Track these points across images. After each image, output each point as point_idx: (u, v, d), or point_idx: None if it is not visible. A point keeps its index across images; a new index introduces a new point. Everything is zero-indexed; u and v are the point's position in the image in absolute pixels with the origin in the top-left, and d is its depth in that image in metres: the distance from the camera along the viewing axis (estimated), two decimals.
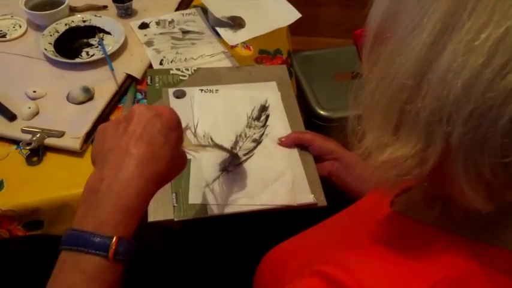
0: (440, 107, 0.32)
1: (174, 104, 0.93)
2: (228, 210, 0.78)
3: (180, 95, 0.95)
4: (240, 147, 0.86)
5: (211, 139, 0.79)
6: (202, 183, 0.80)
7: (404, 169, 0.36)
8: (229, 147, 0.85)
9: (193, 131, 0.73)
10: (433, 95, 0.33)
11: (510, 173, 0.32)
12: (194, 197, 0.78)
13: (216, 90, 0.96)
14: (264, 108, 0.94)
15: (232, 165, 0.83)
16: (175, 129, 0.56)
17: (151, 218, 0.75)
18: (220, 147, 0.80)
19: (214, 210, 0.77)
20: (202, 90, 0.96)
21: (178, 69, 1.01)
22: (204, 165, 0.82)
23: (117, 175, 0.50)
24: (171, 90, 0.95)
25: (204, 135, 0.80)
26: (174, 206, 0.77)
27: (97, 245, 0.46)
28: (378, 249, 0.44)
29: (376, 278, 0.39)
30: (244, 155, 0.85)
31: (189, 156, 0.64)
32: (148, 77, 0.98)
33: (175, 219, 0.76)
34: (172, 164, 0.54)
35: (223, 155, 0.84)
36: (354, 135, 0.40)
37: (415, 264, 0.40)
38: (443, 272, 0.38)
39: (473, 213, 0.38)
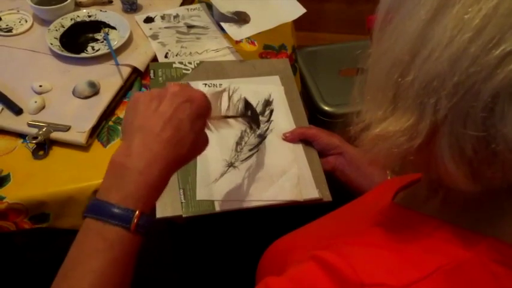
0: (429, 80, 0.34)
1: None
2: (235, 206, 0.78)
3: None
4: (245, 143, 0.86)
5: (243, 105, 0.78)
6: (209, 179, 0.81)
7: (395, 143, 0.37)
8: (234, 143, 0.85)
9: (230, 94, 0.72)
10: (423, 69, 0.34)
11: (490, 149, 0.33)
12: (202, 193, 0.79)
13: (220, 85, 0.96)
14: (268, 103, 0.94)
15: (239, 161, 0.84)
16: (203, 117, 0.58)
17: (159, 214, 0.75)
18: (247, 116, 0.78)
19: (222, 206, 0.78)
20: (205, 84, 0.96)
21: (181, 63, 1.01)
22: (210, 161, 0.83)
23: (144, 154, 0.52)
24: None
25: (238, 100, 0.78)
26: (182, 202, 0.77)
27: (121, 216, 0.50)
28: (375, 237, 0.45)
29: (371, 265, 0.40)
30: (250, 150, 0.86)
31: (209, 131, 0.64)
32: (151, 71, 0.98)
33: (184, 216, 0.76)
34: (193, 148, 0.57)
35: (230, 148, 0.84)
36: (354, 112, 0.42)
37: (411, 253, 0.40)
38: (440, 261, 0.39)
39: (471, 204, 0.40)
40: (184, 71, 0.99)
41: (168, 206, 0.77)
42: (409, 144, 0.36)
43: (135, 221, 0.50)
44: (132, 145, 0.53)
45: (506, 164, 0.34)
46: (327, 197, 0.81)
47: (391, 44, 0.37)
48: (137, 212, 0.50)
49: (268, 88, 0.96)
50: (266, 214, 0.83)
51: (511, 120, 0.32)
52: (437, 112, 0.34)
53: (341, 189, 0.84)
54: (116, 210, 0.50)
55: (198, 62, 1.02)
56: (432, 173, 0.40)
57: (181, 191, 0.79)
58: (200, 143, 0.60)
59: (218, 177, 0.81)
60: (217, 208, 0.77)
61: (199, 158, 0.82)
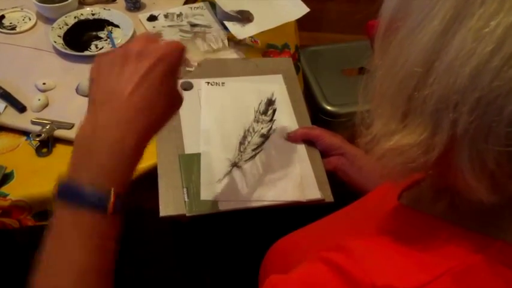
0: (447, 94, 0.32)
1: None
2: (239, 206, 0.78)
3: (187, 87, 0.95)
4: (248, 142, 0.86)
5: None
6: (213, 178, 0.81)
7: (410, 157, 0.36)
8: (237, 143, 0.86)
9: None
10: (441, 82, 0.33)
11: None
12: (206, 193, 0.79)
13: (223, 83, 0.96)
14: (270, 102, 0.94)
15: (242, 161, 0.84)
16: (175, 73, 0.53)
17: (162, 213, 0.75)
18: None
19: (226, 205, 0.78)
20: (208, 83, 0.96)
21: None
22: (214, 161, 0.83)
23: (113, 123, 0.47)
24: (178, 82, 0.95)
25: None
26: (185, 201, 0.77)
27: (95, 199, 0.45)
28: (384, 239, 0.44)
29: (381, 267, 0.39)
30: (253, 150, 0.86)
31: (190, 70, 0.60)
32: None
33: (187, 215, 0.76)
34: (167, 112, 0.52)
35: (233, 148, 0.85)
36: (363, 124, 0.40)
37: (420, 255, 0.40)
38: (448, 264, 0.38)
39: (480, 207, 0.39)
40: (187, 68, 0.99)
41: (171, 204, 0.76)
42: (425, 157, 0.35)
43: (111, 202, 0.45)
44: (99, 115, 0.48)
45: None
46: (329, 197, 0.82)
47: (401, 56, 0.36)
48: (112, 192, 0.45)
49: (271, 87, 0.96)
50: (268, 214, 0.83)
51: None
52: (456, 126, 0.33)
53: (343, 190, 0.84)
54: (89, 192, 0.45)
55: (202, 59, 1.02)
56: (451, 186, 0.39)
57: (185, 189, 0.79)
58: (174, 103, 0.54)
59: (222, 177, 0.81)
60: (221, 208, 0.77)
61: (202, 157, 0.83)
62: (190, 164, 0.82)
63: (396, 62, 0.36)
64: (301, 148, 0.87)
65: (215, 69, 0.99)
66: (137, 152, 0.49)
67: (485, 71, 0.30)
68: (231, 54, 1.06)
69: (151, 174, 0.80)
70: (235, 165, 0.83)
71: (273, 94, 0.95)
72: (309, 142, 0.88)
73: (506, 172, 0.33)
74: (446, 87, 0.32)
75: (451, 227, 0.42)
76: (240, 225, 0.95)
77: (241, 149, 0.85)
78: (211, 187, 0.79)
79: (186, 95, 0.93)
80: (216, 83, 0.96)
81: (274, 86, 0.97)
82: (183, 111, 0.90)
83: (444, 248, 0.40)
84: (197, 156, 0.83)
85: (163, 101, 0.51)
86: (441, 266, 0.38)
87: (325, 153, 0.87)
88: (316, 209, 0.80)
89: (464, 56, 0.31)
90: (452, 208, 0.42)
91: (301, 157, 0.86)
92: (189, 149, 0.84)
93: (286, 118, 0.92)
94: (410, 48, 0.35)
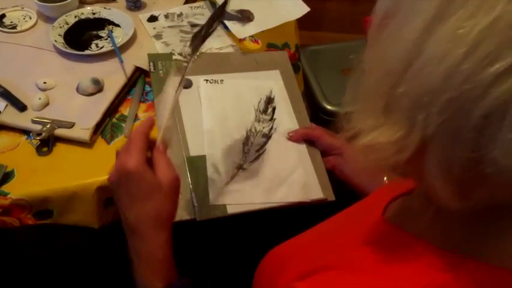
0: (420, 94, 0.32)
1: (182, 95, 0.92)
2: (247, 208, 0.79)
3: (186, 84, 0.94)
4: (251, 143, 0.87)
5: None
6: (220, 182, 0.81)
7: (384, 155, 0.36)
8: (241, 144, 0.86)
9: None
10: (415, 81, 0.32)
11: (479, 169, 0.31)
12: (214, 198, 0.79)
13: (221, 81, 0.96)
14: (270, 100, 0.94)
15: (247, 162, 0.84)
16: (139, 173, 0.61)
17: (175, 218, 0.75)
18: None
19: (234, 209, 0.78)
20: (207, 80, 0.95)
21: (180, 54, 0.99)
22: (219, 164, 0.83)
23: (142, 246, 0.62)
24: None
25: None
26: (194, 206, 0.77)
27: None
28: (362, 260, 0.45)
29: None
30: (257, 151, 0.86)
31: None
32: (151, 63, 0.97)
33: (198, 219, 0.77)
34: (171, 204, 0.64)
35: (237, 150, 0.85)
36: (344, 118, 0.40)
37: (393, 274, 0.40)
38: (420, 283, 0.38)
39: (460, 224, 0.39)
40: (184, 63, 0.99)
41: (180, 209, 0.75)
42: (397, 157, 0.35)
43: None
44: (135, 241, 0.63)
45: (494, 186, 0.33)
46: (331, 196, 0.82)
47: (385, 52, 0.35)
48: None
49: (269, 84, 0.96)
50: (267, 215, 0.84)
51: (501, 144, 0.30)
52: (427, 127, 0.32)
53: (343, 188, 0.85)
54: None
55: (198, 53, 1.01)
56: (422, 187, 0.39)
57: (193, 194, 0.79)
58: (155, 190, 0.62)
59: (229, 180, 0.81)
60: (230, 211, 0.78)
61: (208, 160, 0.83)
62: (196, 166, 0.82)
63: (378, 58, 0.36)
64: (303, 148, 0.88)
65: (212, 65, 0.98)
66: (167, 250, 0.62)
67: (457, 73, 0.30)
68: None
69: None
70: (240, 167, 0.83)
71: (271, 91, 0.95)
72: (310, 142, 0.88)
73: (471, 178, 0.33)
74: (420, 87, 0.32)
75: (426, 246, 0.41)
76: (238, 227, 0.95)
77: (245, 150, 0.85)
78: (219, 191, 0.80)
79: (186, 93, 0.93)
80: (215, 80, 0.96)
81: (272, 82, 0.97)
82: (185, 111, 0.90)
83: (416, 266, 0.40)
84: (202, 158, 0.83)
85: (167, 208, 0.63)
86: (413, 284, 0.38)
87: (324, 153, 0.88)
88: (316, 209, 0.81)
89: (439, 56, 0.31)
90: (434, 224, 0.42)
91: (303, 157, 0.86)
92: (194, 151, 0.84)
93: (286, 116, 0.92)
94: (392, 46, 0.34)
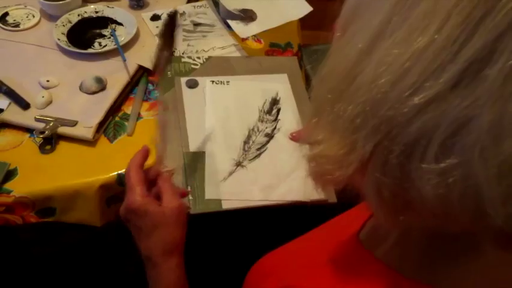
0: (354, 116, 0.31)
1: (187, 94, 0.94)
2: (243, 205, 0.79)
3: (192, 84, 0.95)
4: (253, 142, 0.87)
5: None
6: (217, 178, 0.81)
7: (327, 169, 0.35)
8: (242, 142, 0.86)
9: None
10: (351, 103, 0.32)
11: (406, 197, 0.31)
12: (210, 192, 0.79)
13: (227, 82, 0.97)
14: (275, 102, 0.94)
15: (246, 160, 0.84)
16: (155, 219, 0.63)
17: None
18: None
19: (229, 204, 0.78)
20: (213, 81, 0.96)
21: (189, 57, 1.02)
22: (218, 160, 0.83)
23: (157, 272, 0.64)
24: (183, 80, 0.96)
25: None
26: (189, 199, 0.78)
27: None
28: (326, 278, 0.45)
29: None
30: (257, 149, 0.86)
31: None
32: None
33: (191, 213, 0.77)
34: (177, 231, 0.65)
35: (238, 147, 0.85)
36: (306, 128, 0.40)
37: None
38: None
39: (416, 250, 0.39)
40: (192, 66, 1.00)
41: None
42: (340, 172, 0.34)
43: None
44: (150, 270, 0.65)
45: (422, 214, 0.32)
46: (332, 198, 0.82)
47: (330, 67, 0.34)
48: None
49: (275, 86, 0.97)
50: (267, 214, 0.84)
51: (422, 173, 0.29)
52: (363, 148, 0.32)
53: (346, 190, 0.84)
54: None
55: (207, 57, 1.02)
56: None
57: (189, 187, 0.79)
58: (179, 223, 0.65)
59: (227, 176, 0.81)
60: (225, 207, 0.78)
61: (207, 156, 0.83)
62: (195, 162, 0.82)
63: (325, 72, 0.35)
64: (305, 148, 0.87)
65: (220, 68, 1.00)
66: (180, 272, 0.65)
67: (384, 100, 0.29)
68: (234, 53, 1.06)
69: None
70: (239, 164, 0.83)
71: (277, 93, 0.95)
72: None
73: (401, 205, 0.33)
74: (354, 109, 0.31)
75: (383, 267, 0.41)
76: (236, 225, 0.95)
77: (246, 148, 0.86)
78: (216, 186, 0.80)
79: (191, 92, 0.94)
80: (221, 81, 0.97)
81: (279, 85, 0.97)
82: (188, 108, 0.91)
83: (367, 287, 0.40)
84: (201, 154, 0.83)
85: (173, 234, 0.64)
86: None
87: None
88: (316, 209, 0.80)
89: (369, 81, 0.30)
90: (394, 248, 0.42)
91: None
92: (193, 147, 0.85)
93: (291, 117, 0.92)
94: (338, 62, 0.34)
